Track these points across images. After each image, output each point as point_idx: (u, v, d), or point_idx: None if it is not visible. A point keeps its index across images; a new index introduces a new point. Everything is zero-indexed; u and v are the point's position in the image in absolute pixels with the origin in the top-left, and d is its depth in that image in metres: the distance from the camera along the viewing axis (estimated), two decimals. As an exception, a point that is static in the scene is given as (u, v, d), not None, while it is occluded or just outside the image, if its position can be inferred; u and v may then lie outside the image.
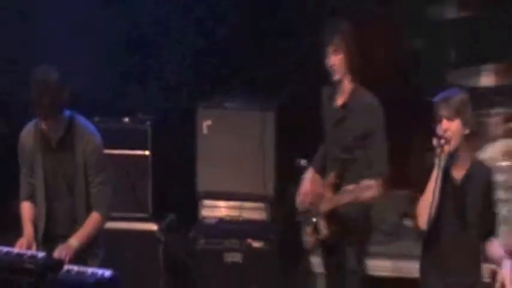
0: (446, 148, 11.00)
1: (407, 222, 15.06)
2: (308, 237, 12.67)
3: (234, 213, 14.58)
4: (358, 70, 12.32)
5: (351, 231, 12.41)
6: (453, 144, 11.05)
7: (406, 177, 14.85)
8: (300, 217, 12.87)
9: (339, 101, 12.30)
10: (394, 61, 16.13)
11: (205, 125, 14.92)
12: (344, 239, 12.45)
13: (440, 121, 11.10)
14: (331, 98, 12.39)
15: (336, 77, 12.12)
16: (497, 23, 15.59)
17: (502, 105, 15.10)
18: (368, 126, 12.14)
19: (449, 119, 11.14)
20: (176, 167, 15.84)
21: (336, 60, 12.10)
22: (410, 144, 15.63)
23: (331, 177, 12.29)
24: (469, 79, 15.19)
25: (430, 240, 11.34)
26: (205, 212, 14.89)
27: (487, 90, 15.26)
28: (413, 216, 13.37)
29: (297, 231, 13.04)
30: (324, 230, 12.28)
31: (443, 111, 11.12)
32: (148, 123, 15.19)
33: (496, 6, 15.87)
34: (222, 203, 14.80)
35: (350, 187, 11.95)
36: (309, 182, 12.51)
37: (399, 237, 15.12)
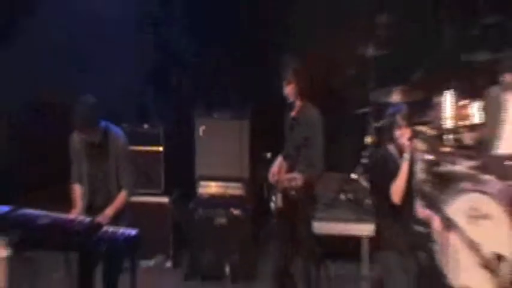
0: (412, 146, 11.75)
1: (342, 196, 15.55)
2: (273, 205, 13.11)
3: (221, 190, 15.32)
4: (306, 92, 12.78)
5: (300, 207, 12.73)
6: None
7: (340, 164, 15.79)
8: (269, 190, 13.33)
9: (293, 114, 12.92)
10: (334, 84, 16.45)
11: (201, 129, 15.50)
12: (295, 213, 12.78)
13: (400, 127, 11.77)
14: (290, 111, 12.94)
15: (290, 99, 12.78)
16: (401, 58, 15.85)
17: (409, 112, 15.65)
18: (309, 133, 12.67)
19: (406, 126, 11.79)
20: (180, 158, 16.03)
21: (289, 90, 12.69)
22: (344, 141, 16.22)
23: (289, 162, 12.91)
24: (384, 97, 15.58)
25: (402, 209, 11.69)
26: (201, 190, 15.52)
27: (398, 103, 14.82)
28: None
29: (264, 203, 13.46)
30: (279, 202, 12.84)
31: (402, 121, 11.76)
32: (160, 127, 15.73)
33: (401, 46, 15.85)
34: (212, 183, 15.43)
35: (287, 176, 12.71)
36: (277, 165, 13.03)
37: (335, 207, 15.34)
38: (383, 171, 11.95)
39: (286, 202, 12.88)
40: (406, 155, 11.76)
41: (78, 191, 12.55)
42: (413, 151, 11.91)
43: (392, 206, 11.72)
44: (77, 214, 12.31)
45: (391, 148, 11.98)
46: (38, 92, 14.57)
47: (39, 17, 16.25)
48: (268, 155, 13.22)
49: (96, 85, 13.66)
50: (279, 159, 13.15)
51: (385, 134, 12.07)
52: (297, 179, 12.49)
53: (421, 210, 12.34)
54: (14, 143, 14.44)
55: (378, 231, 12.22)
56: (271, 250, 13.58)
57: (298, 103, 12.88)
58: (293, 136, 12.93)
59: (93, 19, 16.27)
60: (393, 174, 11.79)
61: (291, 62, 12.92)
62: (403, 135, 11.67)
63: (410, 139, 11.74)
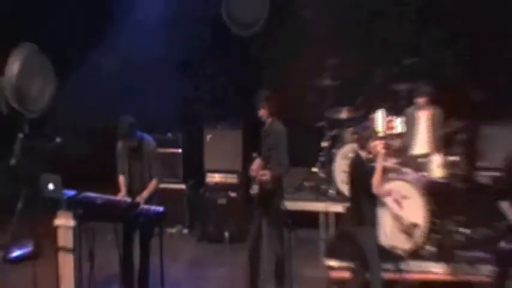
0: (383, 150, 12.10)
1: (305, 183, 15.96)
2: (252, 192, 13.06)
3: (222, 179, 15.61)
4: (274, 113, 12.90)
5: (271, 196, 12.90)
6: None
7: (305, 161, 16.11)
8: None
9: (265, 128, 13.00)
10: (301, 104, 16.32)
11: (208, 137, 15.82)
12: (268, 197, 12.93)
13: (374, 139, 12.08)
14: (263, 126, 13.06)
15: (263, 119, 12.92)
16: (348, 87, 15.88)
17: (352, 126, 15.46)
18: (276, 140, 12.86)
19: (379, 138, 12.24)
20: (194, 157, 16.21)
21: (262, 113, 12.90)
22: (307, 145, 16.06)
23: (262, 162, 12.95)
24: (335, 114, 15.74)
25: (373, 195, 11.97)
26: (208, 179, 15.84)
27: (345, 119, 15.67)
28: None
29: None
30: (256, 189, 12.90)
31: (375, 134, 12.25)
32: (179, 135, 16.10)
33: (348, 79, 15.96)
34: (216, 175, 15.73)
35: (260, 172, 12.71)
36: (255, 163, 12.85)
37: (301, 190, 15.82)
38: (362, 171, 12.16)
39: (261, 190, 12.96)
40: (380, 159, 12.02)
41: (122, 180, 12.97)
42: (380, 155, 12.15)
43: (368, 193, 12.02)
44: (121, 196, 12.71)
45: (362, 154, 12.18)
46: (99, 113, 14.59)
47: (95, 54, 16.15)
48: (255, 154, 12.96)
49: (138, 106, 13.97)
50: (258, 159, 13.04)
51: (363, 143, 12.14)
52: (266, 174, 12.65)
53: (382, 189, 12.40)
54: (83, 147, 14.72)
55: (350, 210, 12.51)
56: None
57: (268, 120, 13.04)
58: (266, 143, 13.06)
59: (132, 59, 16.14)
60: (368, 172, 12.04)
61: (263, 94, 13.04)
62: (377, 145, 11.96)
63: (385, 147, 12.28)
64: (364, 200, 12.19)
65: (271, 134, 13.09)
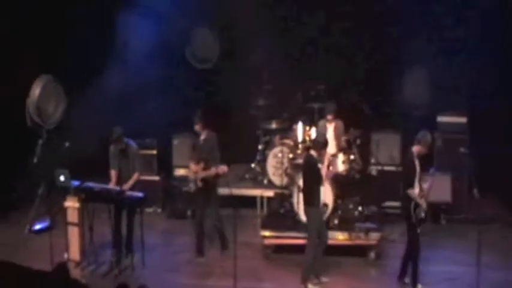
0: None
1: (246, 175, 15.98)
2: (192, 186, 13.30)
3: (186, 173, 14.33)
4: (208, 126, 13.10)
5: (213, 185, 13.20)
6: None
7: (245, 159, 16.13)
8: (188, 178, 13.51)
9: (201, 137, 13.15)
10: (244, 117, 16.39)
11: (176, 141, 15.89)
12: (208, 189, 13.18)
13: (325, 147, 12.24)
14: (200, 136, 13.16)
15: (199, 132, 13.12)
16: (278, 105, 16.02)
17: (280, 132, 15.56)
18: (212, 146, 13.06)
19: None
20: (165, 156, 16.00)
21: (197, 127, 13.07)
22: (248, 146, 16.11)
23: (201, 164, 13.02)
24: (268, 125, 15.84)
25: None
26: (176, 172, 15.80)
27: (275, 128, 15.80)
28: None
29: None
30: (199, 184, 13.06)
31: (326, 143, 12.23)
32: (155, 140, 15.87)
33: (278, 99, 16.07)
34: (182, 169, 15.40)
35: (209, 170, 12.90)
36: (195, 164, 13.13)
37: (243, 180, 15.79)
38: (315, 168, 12.13)
39: (206, 182, 13.07)
40: (326, 159, 12.44)
41: (113, 174, 12.98)
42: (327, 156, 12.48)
43: (318, 182, 12.10)
44: (113, 185, 12.83)
45: (314, 154, 12.15)
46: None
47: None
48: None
49: (127, 119, 13.79)
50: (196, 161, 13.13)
51: (318, 148, 12.10)
52: (220, 169, 12.80)
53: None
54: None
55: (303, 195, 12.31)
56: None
57: (204, 132, 13.10)
58: (203, 148, 13.11)
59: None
60: (319, 170, 12.16)
61: (198, 113, 13.13)
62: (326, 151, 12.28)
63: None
64: (314, 187, 12.13)
65: (208, 142, 13.15)
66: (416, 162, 11.85)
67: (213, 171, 12.96)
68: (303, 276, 12.26)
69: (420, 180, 11.90)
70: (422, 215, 11.84)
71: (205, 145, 13.27)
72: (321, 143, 12.33)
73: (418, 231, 11.85)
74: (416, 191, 11.81)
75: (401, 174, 12.94)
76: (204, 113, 13.39)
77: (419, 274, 12.00)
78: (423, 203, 11.85)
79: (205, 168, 13.12)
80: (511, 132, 15.25)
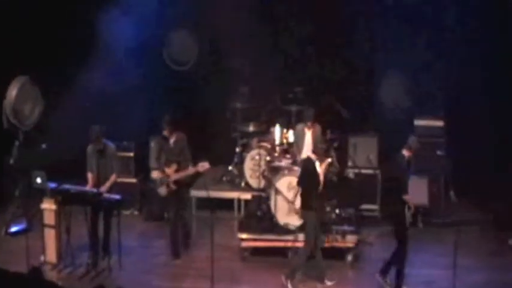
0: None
1: (224, 178, 15.94)
2: (163, 189, 13.31)
3: (160, 175, 13.44)
4: (177, 130, 13.16)
5: (184, 192, 13.50)
6: None
7: (223, 161, 16.09)
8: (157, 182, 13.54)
9: (171, 141, 13.19)
10: (221, 121, 16.26)
11: (152, 143, 15.46)
12: (183, 192, 13.42)
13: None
14: (169, 139, 13.24)
15: (167, 136, 13.20)
16: (247, 109, 15.85)
17: (258, 135, 15.58)
18: (182, 148, 13.12)
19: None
20: (142, 158, 15.77)
21: (165, 132, 13.14)
22: (225, 149, 16.13)
23: (174, 166, 13.10)
24: (245, 128, 15.83)
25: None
26: (152, 175, 14.20)
27: (252, 131, 15.77)
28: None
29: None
30: (172, 186, 13.12)
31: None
32: (132, 143, 15.77)
33: (255, 102, 15.97)
34: (156, 172, 13.75)
35: (184, 171, 13.02)
36: (161, 166, 13.26)
37: (220, 183, 15.78)
38: (315, 172, 12.22)
39: (179, 184, 13.17)
40: (324, 164, 12.40)
41: (90, 176, 12.93)
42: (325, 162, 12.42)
43: (316, 189, 12.17)
44: (89, 187, 12.79)
45: (313, 158, 12.29)
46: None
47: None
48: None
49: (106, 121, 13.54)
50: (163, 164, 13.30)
51: (318, 153, 12.33)
52: (200, 166, 12.82)
53: None
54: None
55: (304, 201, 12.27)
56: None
57: (173, 135, 13.16)
58: (173, 151, 13.16)
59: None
60: (318, 174, 12.23)
61: (165, 119, 13.18)
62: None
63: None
64: (313, 191, 12.21)
65: (178, 144, 13.22)
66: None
67: (192, 170, 13.02)
68: (288, 274, 12.27)
69: None
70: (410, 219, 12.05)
71: (176, 147, 13.31)
72: (323, 148, 12.52)
73: (407, 233, 12.02)
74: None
75: (389, 179, 12.81)
76: (172, 118, 13.42)
77: (404, 278, 12.09)
78: (412, 207, 12.04)
79: (177, 170, 13.18)
80: (487, 136, 15.29)
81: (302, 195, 12.41)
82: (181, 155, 13.26)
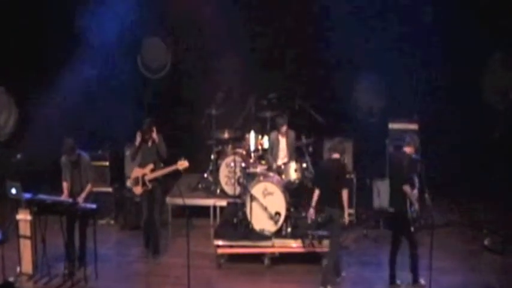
0: None
1: (200, 186, 15.92)
2: (139, 189, 13.53)
3: (135, 175, 13.64)
4: (156, 133, 13.26)
5: (158, 192, 13.57)
6: None
7: (199, 168, 15.97)
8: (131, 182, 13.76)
9: (150, 143, 13.34)
10: (196, 128, 16.31)
11: (127, 152, 15.48)
12: (155, 195, 13.53)
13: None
14: (148, 141, 13.38)
15: (147, 139, 13.37)
16: (229, 115, 15.91)
17: (233, 142, 15.59)
18: (160, 150, 13.29)
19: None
20: (118, 167, 15.92)
21: (146, 137, 13.29)
22: (201, 157, 16.09)
23: (150, 166, 13.32)
24: (221, 135, 15.76)
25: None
26: (128, 183, 14.94)
27: (227, 138, 15.71)
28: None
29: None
30: (148, 185, 13.33)
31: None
32: (107, 152, 15.78)
33: (229, 109, 15.97)
34: (133, 172, 13.80)
35: (163, 169, 13.27)
36: (138, 168, 13.49)
37: (196, 190, 15.74)
38: (344, 171, 12.57)
39: (152, 185, 13.41)
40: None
41: (65, 186, 12.95)
42: None
43: (345, 188, 12.29)
44: (65, 197, 12.77)
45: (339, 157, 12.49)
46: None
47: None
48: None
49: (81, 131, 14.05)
50: (136, 168, 13.59)
51: (342, 152, 12.52)
52: (180, 164, 13.08)
53: None
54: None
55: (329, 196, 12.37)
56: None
57: (151, 137, 13.28)
58: (151, 149, 13.33)
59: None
60: (346, 173, 12.69)
61: (148, 119, 13.38)
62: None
63: None
64: (341, 190, 12.33)
65: (155, 145, 13.40)
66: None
67: (171, 167, 13.27)
68: (324, 279, 12.44)
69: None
70: (415, 214, 12.11)
71: (153, 147, 13.52)
72: (343, 147, 12.68)
73: (412, 229, 12.08)
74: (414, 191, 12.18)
75: (393, 175, 12.90)
76: (152, 120, 13.55)
77: (419, 269, 12.29)
78: (416, 204, 12.13)
79: (153, 170, 13.42)
80: (461, 139, 15.61)
81: (328, 194, 12.47)
82: (158, 155, 13.47)
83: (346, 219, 12.58)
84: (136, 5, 16.00)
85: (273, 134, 14.54)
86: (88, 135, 15.69)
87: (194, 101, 16.72)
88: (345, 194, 12.43)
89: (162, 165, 13.46)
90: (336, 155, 12.54)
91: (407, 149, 12.26)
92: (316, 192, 12.63)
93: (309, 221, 12.86)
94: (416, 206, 12.11)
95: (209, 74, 16.65)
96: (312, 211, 12.71)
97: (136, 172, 13.72)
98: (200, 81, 16.70)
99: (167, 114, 16.59)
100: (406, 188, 12.06)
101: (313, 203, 12.67)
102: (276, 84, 16.24)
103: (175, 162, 13.41)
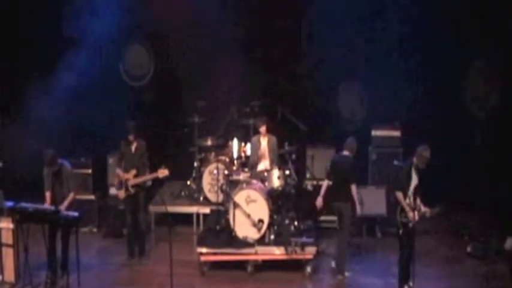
0: None
1: (182, 193, 15.90)
2: (120, 194, 13.69)
3: (118, 178, 13.85)
4: (139, 137, 13.51)
5: (141, 196, 13.68)
6: None
7: (181, 176, 16.01)
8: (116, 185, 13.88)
9: (133, 147, 13.53)
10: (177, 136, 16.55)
11: (111, 160, 15.70)
12: (138, 199, 13.68)
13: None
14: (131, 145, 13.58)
15: (131, 140, 13.51)
16: (213, 123, 16.03)
17: (215, 149, 15.68)
18: (141, 153, 13.50)
19: None
20: (100, 175, 15.91)
21: (130, 137, 13.46)
22: (184, 164, 16.14)
23: (133, 171, 13.47)
24: (204, 142, 15.69)
25: None
26: (111, 191, 15.58)
27: (210, 145, 15.71)
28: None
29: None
30: (131, 190, 13.49)
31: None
32: (90, 159, 15.71)
33: (211, 117, 16.06)
34: (115, 188, 14.15)
35: (143, 176, 13.45)
36: (120, 171, 13.63)
37: (179, 198, 15.70)
38: (353, 167, 12.94)
39: (136, 190, 13.56)
40: None
41: (47, 195, 12.87)
42: None
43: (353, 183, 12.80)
44: (48, 205, 12.72)
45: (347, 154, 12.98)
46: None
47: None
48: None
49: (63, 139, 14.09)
50: (118, 170, 13.70)
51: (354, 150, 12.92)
52: (160, 172, 13.26)
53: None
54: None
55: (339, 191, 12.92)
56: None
57: (135, 142, 13.48)
58: (135, 156, 13.53)
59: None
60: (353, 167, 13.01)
61: (133, 123, 13.59)
62: None
63: None
64: (350, 185, 12.83)
65: (138, 150, 13.61)
66: (414, 174, 12.21)
67: (152, 175, 13.43)
68: (339, 268, 13.00)
69: (416, 194, 12.24)
70: (410, 224, 12.06)
71: (136, 153, 13.69)
72: (353, 145, 13.01)
73: (400, 232, 12.11)
74: (407, 200, 12.15)
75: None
76: (136, 124, 13.70)
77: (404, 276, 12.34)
78: (412, 215, 12.09)
79: (136, 176, 13.59)
80: (442, 145, 15.23)
81: (338, 189, 12.97)
82: (140, 161, 13.62)
83: (358, 209, 13.05)
84: (119, 12, 15.94)
85: (254, 138, 14.59)
86: (70, 143, 15.70)
87: (176, 108, 16.78)
88: (353, 188, 12.91)
89: (147, 170, 13.59)
90: (346, 152, 13.02)
91: (415, 160, 12.29)
92: (325, 183, 13.19)
93: (318, 208, 13.38)
94: (411, 214, 12.06)
95: (191, 82, 16.66)
96: (320, 200, 13.16)
97: (120, 175, 13.84)
98: (182, 89, 16.73)
99: (149, 121, 16.60)
100: (399, 195, 12.14)
101: (322, 192, 13.19)
102: (259, 91, 16.28)
103: (155, 170, 13.50)
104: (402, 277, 12.28)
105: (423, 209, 12.20)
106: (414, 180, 12.18)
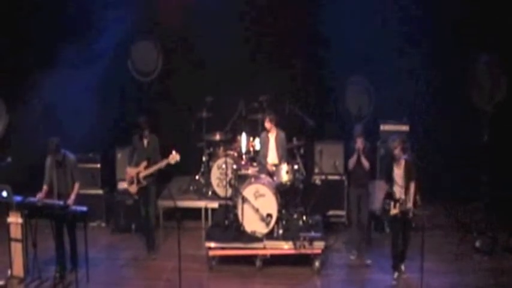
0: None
1: (191, 188, 15.93)
2: (131, 189, 13.74)
3: (130, 174, 13.72)
4: (152, 131, 13.53)
5: (152, 188, 13.66)
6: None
7: (190, 171, 16.16)
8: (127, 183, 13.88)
9: (146, 141, 13.57)
10: (185, 131, 16.22)
11: (119, 155, 15.66)
12: (149, 191, 13.66)
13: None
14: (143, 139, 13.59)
15: (146, 134, 13.51)
16: (220, 119, 15.79)
17: (224, 144, 15.60)
18: (155, 147, 13.53)
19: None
20: (109, 170, 15.74)
21: (145, 132, 13.50)
22: (193, 159, 15.99)
23: (144, 164, 13.48)
24: (211, 137, 15.71)
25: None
26: (119, 186, 15.42)
27: (218, 140, 15.68)
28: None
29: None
30: (142, 182, 13.50)
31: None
32: (98, 155, 15.66)
33: (220, 113, 15.92)
34: (124, 183, 14.19)
35: (155, 165, 13.40)
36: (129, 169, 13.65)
37: (188, 192, 15.76)
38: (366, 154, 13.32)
39: (147, 182, 13.54)
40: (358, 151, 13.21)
41: (45, 189, 12.70)
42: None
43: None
44: (40, 198, 12.58)
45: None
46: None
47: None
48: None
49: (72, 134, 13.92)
50: (129, 168, 13.73)
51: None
52: (171, 157, 13.28)
53: None
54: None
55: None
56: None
57: (147, 136, 13.52)
58: (148, 150, 13.57)
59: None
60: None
61: (142, 119, 13.57)
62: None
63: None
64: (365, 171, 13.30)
65: (151, 144, 13.63)
66: (394, 165, 12.53)
67: (163, 162, 13.42)
68: (358, 254, 13.50)
69: (408, 188, 12.42)
70: (394, 211, 12.32)
71: (149, 147, 13.70)
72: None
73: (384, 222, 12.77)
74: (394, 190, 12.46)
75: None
76: (149, 119, 13.74)
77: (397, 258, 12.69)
78: (392, 205, 12.35)
79: (147, 167, 13.61)
80: (450, 141, 15.75)
81: (357, 175, 13.36)
82: (153, 155, 13.64)
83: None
84: (127, 9, 15.86)
85: (263, 134, 14.51)
86: (79, 138, 15.28)
87: (185, 103, 16.76)
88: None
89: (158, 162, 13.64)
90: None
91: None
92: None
93: None
94: (391, 204, 12.33)
95: (199, 77, 16.65)
96: None
97: (131, 172, 13.82)
98: (190, 84, 16.69)
99: (158, 116, 16.51)
100: (381, 183, 12.65)
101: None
102: (267, 86, 16.16)
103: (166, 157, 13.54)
104: (393, 264, 12.69)
105: (409, 205, 12.28)
106: (396, 171, 12.47)
